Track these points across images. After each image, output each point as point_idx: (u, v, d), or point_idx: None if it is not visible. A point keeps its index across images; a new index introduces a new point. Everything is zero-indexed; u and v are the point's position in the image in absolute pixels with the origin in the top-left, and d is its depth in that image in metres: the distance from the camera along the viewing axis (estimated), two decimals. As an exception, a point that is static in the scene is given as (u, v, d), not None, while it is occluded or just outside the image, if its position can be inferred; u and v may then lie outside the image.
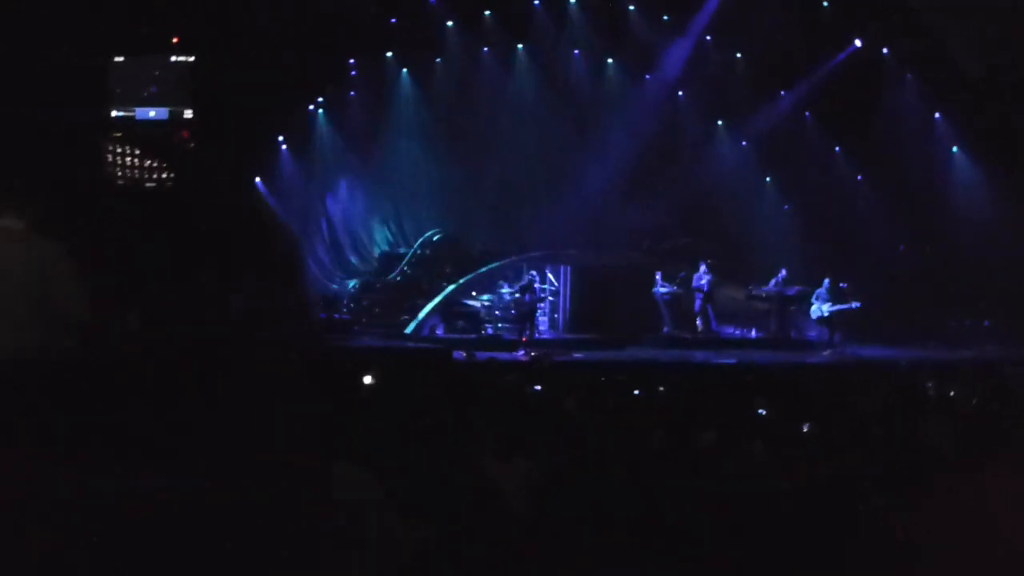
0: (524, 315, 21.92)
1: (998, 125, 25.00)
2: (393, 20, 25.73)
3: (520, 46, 26.88)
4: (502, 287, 23.63)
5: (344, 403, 6.19)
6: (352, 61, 25.98)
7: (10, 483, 1.63)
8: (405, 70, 26.44)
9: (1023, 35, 23.14)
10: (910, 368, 16.05)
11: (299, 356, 1.88)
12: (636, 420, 7.44)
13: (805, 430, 7.58)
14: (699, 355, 21.07)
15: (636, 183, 25.91)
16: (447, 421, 6.83)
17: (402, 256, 26.21)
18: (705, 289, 23.32)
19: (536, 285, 22.30)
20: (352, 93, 26.25)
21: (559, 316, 24.75)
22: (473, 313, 23.70)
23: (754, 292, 24.31)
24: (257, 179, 24.31)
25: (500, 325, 23.38)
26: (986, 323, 24.26)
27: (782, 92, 27.64)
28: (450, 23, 26.15)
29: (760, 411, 8.54)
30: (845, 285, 22.45)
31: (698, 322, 23.62)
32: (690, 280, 23.74)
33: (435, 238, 26.29)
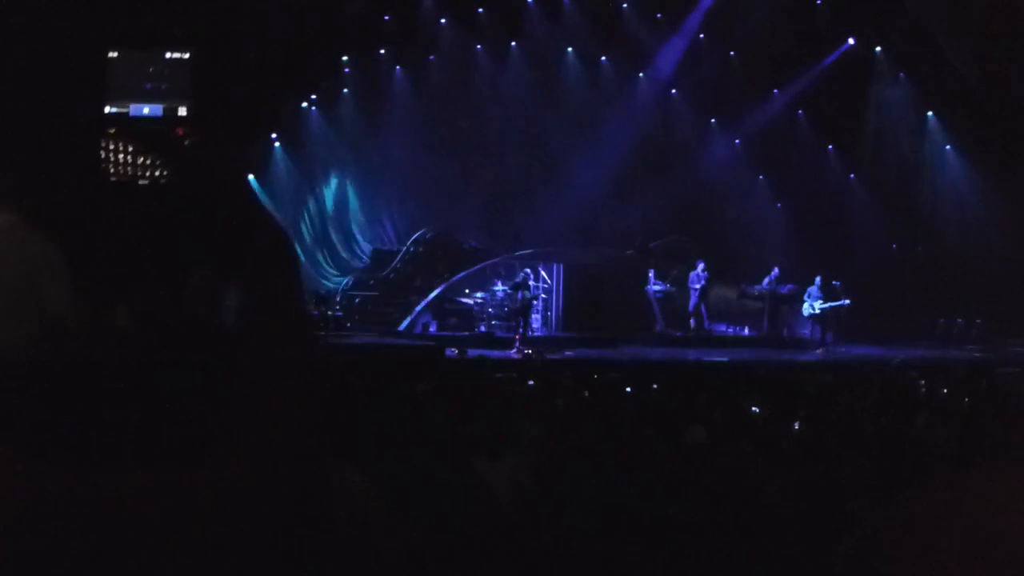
0: (517, 312, 21.91)
1: (991, 125, 25.03)
2: (387, 17, 25.73)
3: (513, 44, 26.86)
4: (495, 285, 23.62)
5: (335, 401, 6.19)
6: (345, 58, 25.96)
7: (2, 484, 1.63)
8: (398, 67, 26.43)
9: (1016, 34, 23.17)
10: (901, 367, 16.08)
11: (298, 355, 1.87)
12: (627, 418, 7.44)
13: (796, 428, 7.59)
14: (691, 353, 21.09)
15: (629, 181, 25.94)
16: (438, 418, 6.83)
17: (395, 253, 26.21)
18: (701, 287, 23.33)
19: (530, 283, 22.29)
20: (345, 90, 26.24)
21: (552, 314, 24.75)
22: (466, 311, 23.69)
23: (747, 291, 24.32)
24: (250, 176, 24.31)
25: (493, 323, 23.37)
26: (978, 322, 24.29)
27: (775, 91, 27.65)
28: (443, 20, 26.13)
29: (753, 408, 8.55)
30: (838, 284, 22.47)
31: (691, 321, 23.62)
32: (684, 278, 23.75)
33: (428, 235, 26.29)
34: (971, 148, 26.39)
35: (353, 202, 26.99)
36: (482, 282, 24.05)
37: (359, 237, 27.11)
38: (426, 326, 23.35)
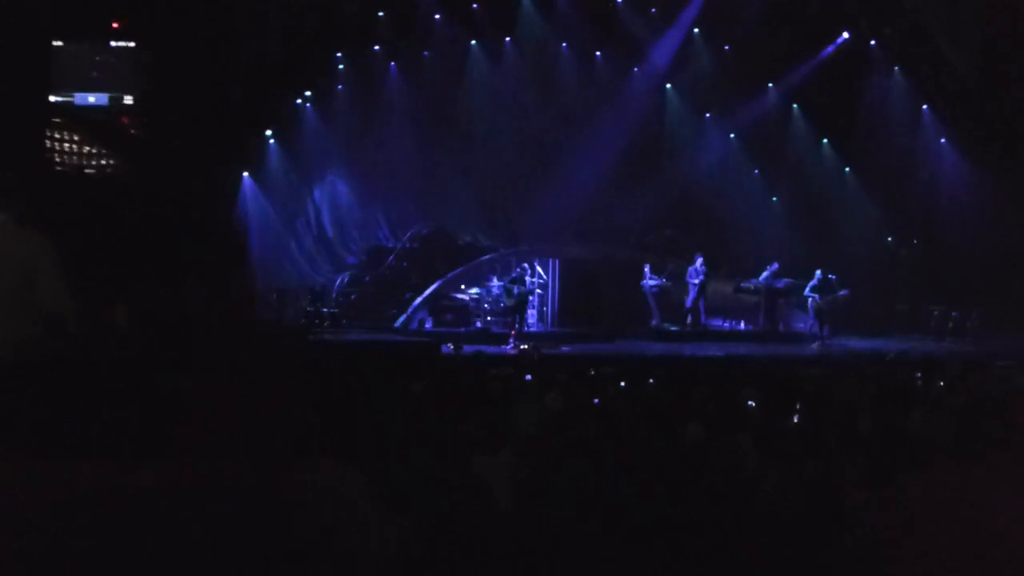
0: (513, 308, 21.90)
1: (985, 118, 25.06)
2: (381, 14, 25.71)
3: (508, 39, 26.84)
4: (491, 280, 23.61)
5: (330, 398, 6.18)
6: (340, 54, 25.93)
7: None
8: (393, 63, 26.39)
9: (1011, 28, 23.20)
10: (897, 361, 16.09)
11: (251, 355, 1.86)
12: (624, 414, 7.44)
13: (794, 422, 7.59)
14: (687, 348, 21.10)
15: (624, 176, 25.93)
16: (434, 416, 6.82)
17: (391, 250, 26.19)
18: (700, 281, 23.33)
19: (526, 278, 22.28)
20: (340, 86, 26.20)
21: (547, 309, 24.74)
22: (462, 307, 23.68)
23: (743, 285, 24.32)
24: (245, 173, 24.30)
25: (489, 318, 23.37)
26: (973, 315, 24.32)
27: (769, 85, 27.65)
28: (438, 16, 26.10)
29: (749, 402, 8.55)
30: (834, 277, 22.49)
31: (689, 317, 23.63)
32: (680, 273, 23.77)
33: (424, 231, 26.28)
34: (966, 141, 26.42)
35: (348, 198, 26.95)
36: (478, 278, 24.06)
37: (355, 233, 27.08)
38: (422, 322, 23.35)
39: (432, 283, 23.92)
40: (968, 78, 24.89)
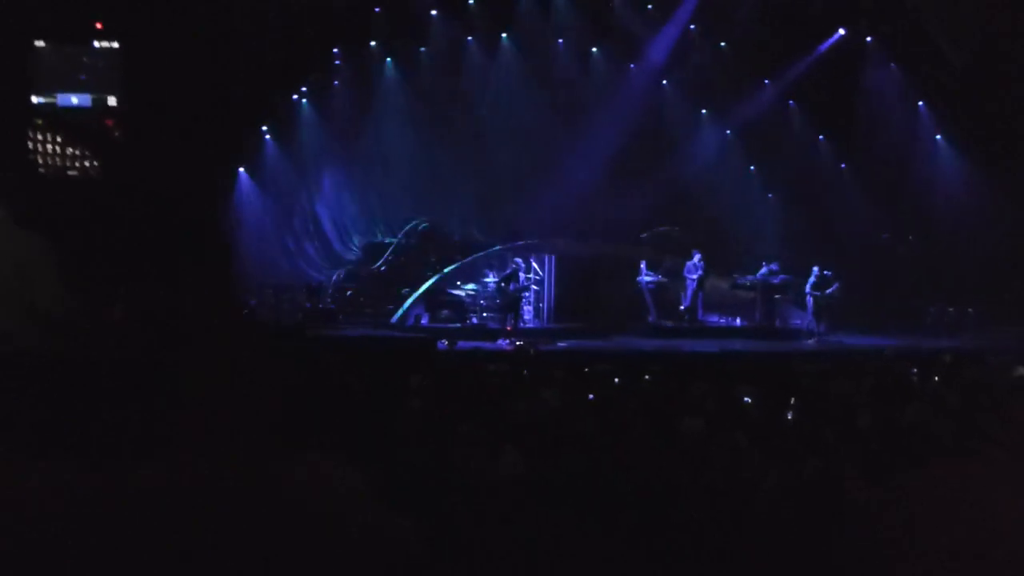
0: (508, 304, 21.89)
1: (981, 114, 25.07)
2: (377, 9, 25.71)
3: (505, 35, 26.83)
4: (487, 276, 23.62)
5: (327, 394, 6.18)
6: (336, 50, 25.92)
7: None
8: (389, 59, 26.39)
9: (1006, 23, 23.21)
10: (894, 356, 16.11)
11: (237, 356, 1.86)
12: (621, 409, 7.44)
13: (789, 418, 7.60)
14: (684, 344, 21.10)
15: (620, 172, 25.93)
16: (430, 413, 6.82)
17: (387, 245, 26.20)
18: (699, 276, 23.35)
19: (521, 274, 22.27)
20: (336, 83, 26.20)
21: (544, 305, 24.74)
22: (458, 302, 23.69)
23: (739, 281, 24.34)
24: (241, 169, 24.30)
25: (485, 314, 23.38)
26: (969, 310, 24.35)
27: (766, 81, 27.66)
28: (434, 12, 26.09)
29: (745, 399, 8.55)
30: (829, 273, 22.51)
31: (686, 315, 23.65)
32: (677, 268, 23.78)
33: (420, 227, 26.28)
34: (962, 137, 26.44)
35: (345, 194, 26.96)
36: (474, 274, 24.07)
37: (351, 229, 27.09)
38: (418, 318, 23.34)
39: (428, 279, 23.92)
40: (964, 74, 24.88)
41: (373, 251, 26.34)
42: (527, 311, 24.00)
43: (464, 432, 5.70)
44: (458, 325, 22.64)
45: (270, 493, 1.76)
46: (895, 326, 23.69)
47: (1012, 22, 23.26)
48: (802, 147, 27.99)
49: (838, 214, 27.19)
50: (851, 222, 27.07)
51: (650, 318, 23.81)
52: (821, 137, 27.98)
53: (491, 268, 23.86)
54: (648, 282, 23.94)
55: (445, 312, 23.50)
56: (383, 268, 25.71)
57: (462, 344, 19.32)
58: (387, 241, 26.41)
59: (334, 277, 25.50)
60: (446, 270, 24.04)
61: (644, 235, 25.79)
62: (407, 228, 26.28)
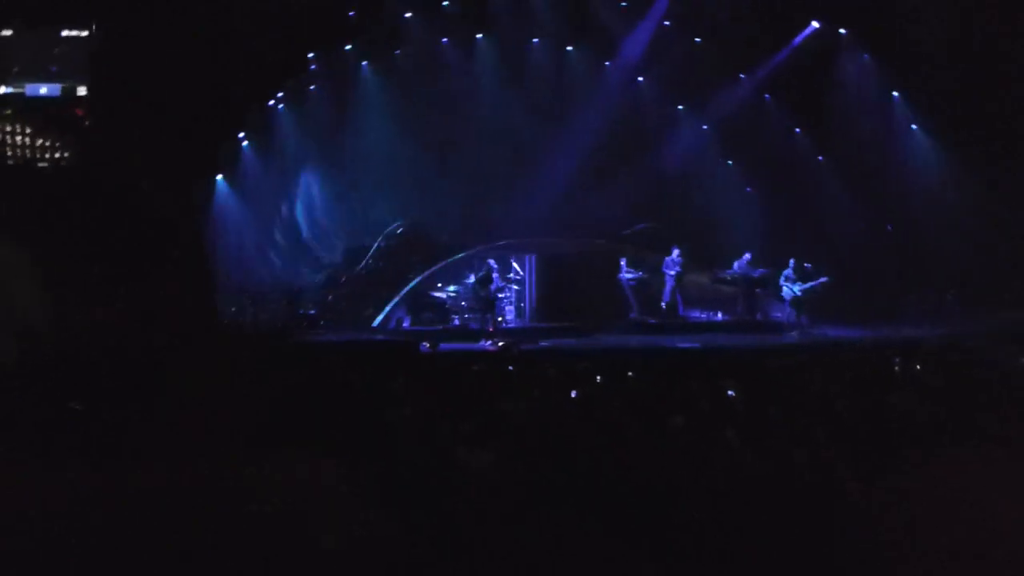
0: (486, 306, 21.88)
1: (956, 102, 25.15)
2: (352, 12, 25.63)
3: (480, 35, 26.81)
4: (468, 278, 23.61)
5: (310, 398, 6.16)
6: (312, 54, 25.84)
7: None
8: (365, 62, 26.34)
9: (980, 10, 23.33)
10: (875, 346, 16.17)
11: (211, 358, 1.85)
12: (606, 407, 7.44)
13: (772, 412, 7.60)
14: (667, 340, 21.11)
15: (599, 170, 25.95)
16: (416, 412, 6.80)
17: (367, 248, 26.11)
18: (677, 272, 23.39)
19: (495, 275, 22.22)
20: (313, 86, 26.12)
21: (525, 305, 24.73)
22: (439, 304, 23.67)
23: (720, 275, 24.38)
24: (219, 177, 24.20)
25: (467, 316, 23.36)
26: (948, 299, 24.45)
27: (741, 75, 27.71)
28: (409, 14, 26.04)
29: (729, 392, 8.56)
30: (809, 266, 22.55)
31: (664, 306, 23.68)
32: (657, 265, 23.81)
33: (400, 230, 26.21)
34: (937, 126, 26.52)
35: (324, 198, 26.89)
36: (455, 275, 24.06)
37: (331, 234, 27.02)
38: (400, 321, 23.32)
39: (409, 281, 23.88)
40: (934, 59, 24.93)
41: (354, 255, 26.26)
42: (509, 311, 23.99)
43: (450, 431, 5.70)
44: (440, 327, 22.62)
45: (256, 494, 1.75)
46: (875, 316, 23.77)
47: (983, 4, 23.39)
48: (779, 140, 28.03)
49: (816, 206, 27.25)
50: (829, 213, 27.13)
51: (632, 315, 23.82)
52: (798, 130, 28.02)
53: (472, 269, 23.85)
54: (629, 279, 23.97)
55: (427, 314, 23.48)
56: (363, 272, 25.64)
57: (444, 346, 19.30)
58: (367, 244, 26.32)
59: (315, 282, 25.42)
60: (427, 272, 24.01)
61: (625, 232, 25.81)
62: (387, 231, 26.20)
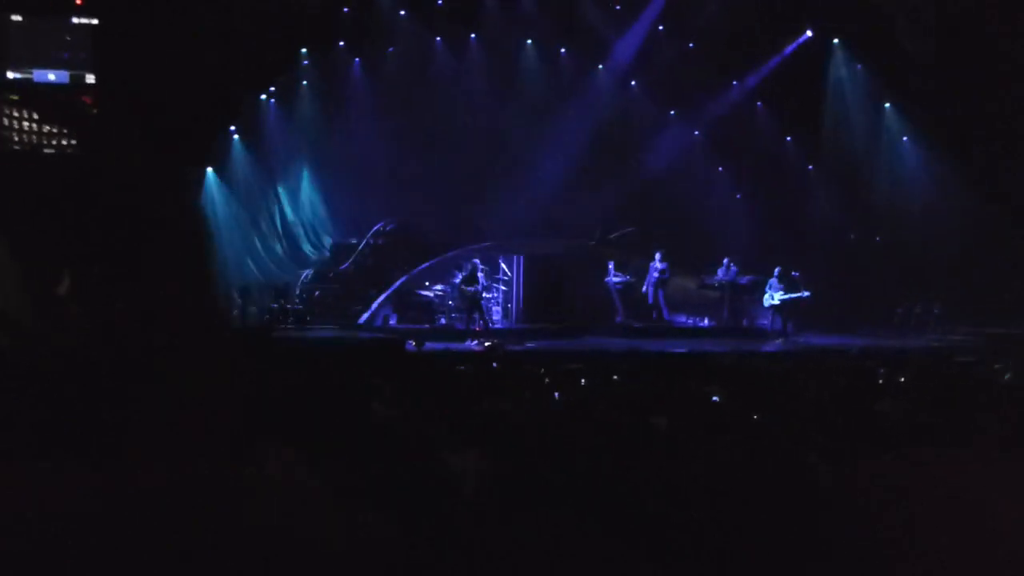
0: (471, 305, 21.87)
1: (947, 114, 25.26)
2: (345, 10, 25.62)
3: (472, 36, 26.82)
4: (455, 277, 23.59)
5: (294, 395, 6.13)
6: (304, 51, 25.82)
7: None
8: (357, 60, 26.32)
9: (969, 20, 23.42)
10: (861, 355, 16.18)
11: (215, 348, 1.82)
12: (592, 409, 7.43)
13: (756, 418, 7.61)
14: (652, 344, 21.12)
15: (588, 172, 25.97)
16: (400, 413, 6.79)
17: (355, 246, 26.11)
18: (660, 278, 23.40)
19: (480, 274, 22.21)
20: (304, 83, 26.11)
21: (512, 306, 24.75)
22: (426, 303, 23.66)
23: (707, 281, 24.42)
24: (209, 169, 24.15)
25: (453, 315, 23.36)
26: (935, 311, 24.52)
27: (734, 82, 27.78)
28: (402, 13, 26.04)
29: (714, 398, 8.56)
30: (797, 274, 22.60)
31: (653, 313, 23.70)
32: (645, 269, 23.83)
33: (388, 228, 26.21)
34: (928, 137, 26.63)
35: (313, 195, 26.87)
36: (443, 274, 24.05)
37: (319, 230, 27.01)
38: (386, 319, 23.30)
39: (396, 279, 23.87)
40: (926, 70, 25.03)
41: (341, 251, 26.26)
42: (496, 311, 24.00)
43: (434, 431, 5.68)
44: (427, 326, 22.60)
45: (235, 491, 1.73)
46: (862, 325, 23.85)
47: (970, 14, 23.49)
48: (769, 148, 28.12)
49: (806, 214, 27.35)
50: (818, 222, 27.22)
51: (618, 318, 23.84)
52: (788, 138, 28.11)
53: (459, 269, 23.84)
54: (616, 283, 23.99)
55: (413, 313, 23.48)
56: (351, 269, 25.64)
57: (430, 345, 19.28)
58: (355, 242, 26.32)
59: (302, 278, 25.40)
60: (414, 271, 24.01)
61: (613, 235, 25.84)
62: (375, 228, 26.20)
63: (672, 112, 28.13)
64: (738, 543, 3.13)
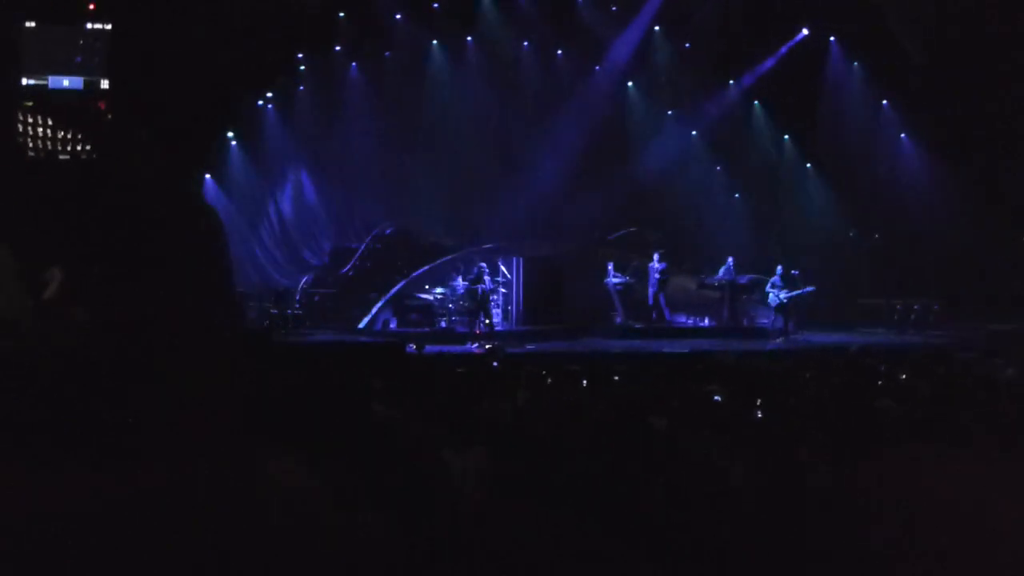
0: (478, 306, 21.86)
1: (944, 111, 25.26)
2: (342, 14, 25.61)
3: (469, 38, 26.81)
4: (455, 280, 23.58)
5: (294, 398, 6.13)
6: (301, 55, 25.81)
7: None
8: (354, 64, 26.30)
9: (966, 19, 23.42)
10: (861, 353, 16.17)
11: (236, 350, 1.83)
12: (592, 409, 7.43)
13: (758, 417, 7.61)
14: (652, 344, 21.11)
15: (587, 173, 25.95)
16: (400, 413, 6.79)
17: (354, 250, 26.10)
18: (660, 278, 23.39)
19: (486, 277, 22.21)
20: (301, 87, 26.09)
21: (512, 307, 24.73)
22: (426, 306, 23.65)
23: (707, 281, 24.41)
24: (207, 175, 24.15)
25: (453, 318, 23.34)
26: (935, 307, 24.51)
27: (731, 82, 27.78)
28: (398, 16, 26.03)
29: (716, 397, 8.56)
30: (797, 272, 22.58)
31: (653, 313, 23.68)
32: (644, 270, 23.81)
33: (387, 231, 26.21)
34: (925, 135, 26.64)
35: (311, 199, 26.85)
36: (442, 277, 24.04)
37: (318, 234, 26.98)
38: (386, 323, 23.29)
39: (396, 283, 23.86)
40: (922, 68, 25.04)
41: (340, 256, 26.25)
42: (496, 314, 23.99)
43: (434, 432, 5.68)
44: (427, 329, 22.59)
45: (238, 493, 1.74)
46: (862, 323, 23.83)
47: (967, 13, 23.49)
48: (767, 146, 28.13)
49: (804, 212, 27.36)
50: (817, 220, 27.22)
51: (618, 319, 23.84)
52: (786, 137, 28.11)
53: (459, 272, 23.83)
54: (616, 284, 23.98)
55: (414, 316, 23.46)
56: (350, 273, 25.64)
57: (431, 348, 19.26)
58: (354, 246, 26.31)
59: (301, 282, 25.38)
60: (414, 274, 24.00)
61: (612, 236, 25.84)
62: (374, 232, 26.19)
63: (670, 112, 28.11)
64: (738, 543, 3.13)
